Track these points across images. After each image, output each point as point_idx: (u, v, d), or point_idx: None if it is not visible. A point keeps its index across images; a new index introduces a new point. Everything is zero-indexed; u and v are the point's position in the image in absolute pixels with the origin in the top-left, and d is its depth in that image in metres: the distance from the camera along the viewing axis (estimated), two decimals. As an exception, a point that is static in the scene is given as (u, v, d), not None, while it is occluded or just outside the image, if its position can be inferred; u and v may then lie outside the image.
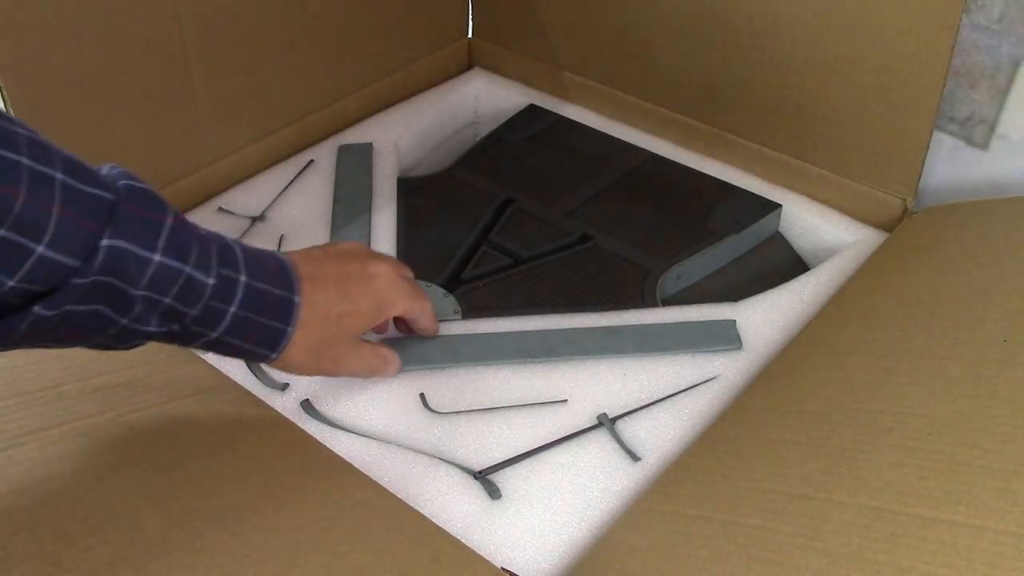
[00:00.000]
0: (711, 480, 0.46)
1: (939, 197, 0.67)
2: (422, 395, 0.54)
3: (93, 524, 0.41)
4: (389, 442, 0.51)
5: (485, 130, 0.80)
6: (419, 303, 0.54)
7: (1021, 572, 0.34)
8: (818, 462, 0.43)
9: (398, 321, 0.56)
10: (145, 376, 0.50)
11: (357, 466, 0.48)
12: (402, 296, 0.52)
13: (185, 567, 0.39)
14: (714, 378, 0.55)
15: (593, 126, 0.77)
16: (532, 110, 0.79)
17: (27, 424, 0.46)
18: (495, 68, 0.85)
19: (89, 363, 0.51)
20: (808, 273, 0.62)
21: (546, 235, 0.66)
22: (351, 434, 0.51)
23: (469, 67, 0.87)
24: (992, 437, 0.40)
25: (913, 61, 0.59)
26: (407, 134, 0.78)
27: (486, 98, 0.84)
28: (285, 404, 0.53)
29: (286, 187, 0.71)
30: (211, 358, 0.54)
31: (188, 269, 0.40)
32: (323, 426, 0.51)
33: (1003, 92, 0.62)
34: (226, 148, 0.70)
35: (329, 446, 0.49)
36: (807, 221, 0.68)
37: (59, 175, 0.36)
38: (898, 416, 0.44)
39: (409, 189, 0.71)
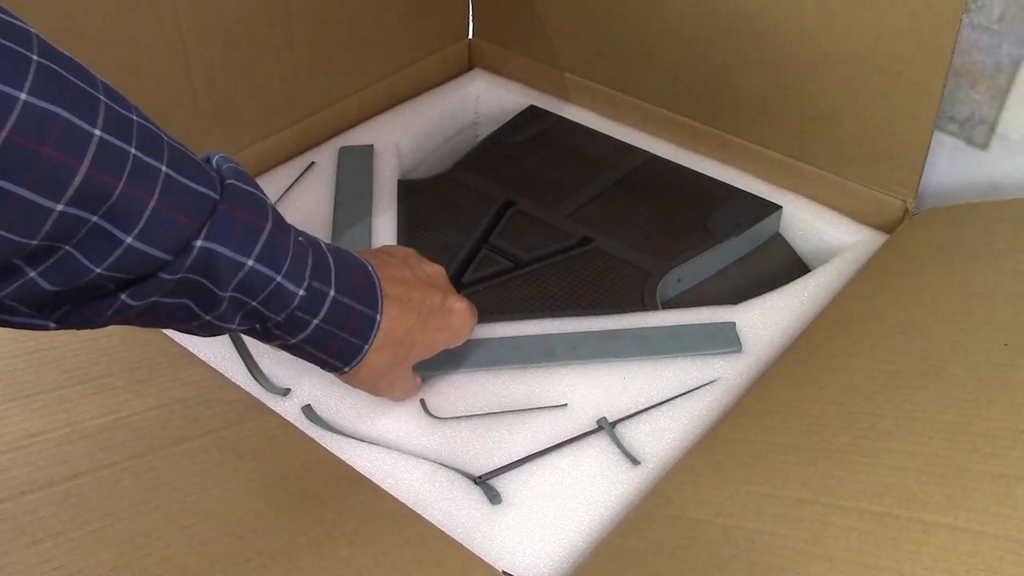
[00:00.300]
0: (711, 484, 0.46)
1: (939, 198, 0.67)
2: (422, 401, 0.54)
3: (95, 528, 0.41)
4: (390, 447, 0.51)
5: (486, 131, 0.80)
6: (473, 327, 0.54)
7: (1021, 578, 0.34)
8: (818, 466, 0.43)
9: None
10: (147, 379, 0.50)
11: (358, 471, 0.48)
12: (467, 334, 0.52)
13: (186, 571, 0.39)
14: (714, 381, 0.55)
15: (593, 127, 0.77)
16: (532, 111, 0.79)
17: (28, 427, 0.46)
18: (496, 69, 0.85)
19: (90, 365, 0.51)
20: (808, 275, 0.62)
21: (546, 238, 0.66)
22: (352, 439, 0.51)
23: (470, 68, 0.87)
24: (993, 441, 0.40)
25: (913, 61, 0.59)
26: (408, 136, 0.78)
27: (487, 99, 0.84)
28: (287, 409, 0.53)
29: (287, 189, 0.71)
30: (214, 360, 0.54)
31: (279, 278, 0.40)
32: (324, 431, 0.51)
33: (1003, 92, 0.62)
34: (226, 149, 0.69)
35: (330, 451, 0.49)
36: (807, 222, 0.68)
37: (164, 168, 0.35)
38: (898, 420, 0.44)
39: (410, 191, 0.71)
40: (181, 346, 0.54)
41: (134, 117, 0.35)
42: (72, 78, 0.32)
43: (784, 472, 0.44)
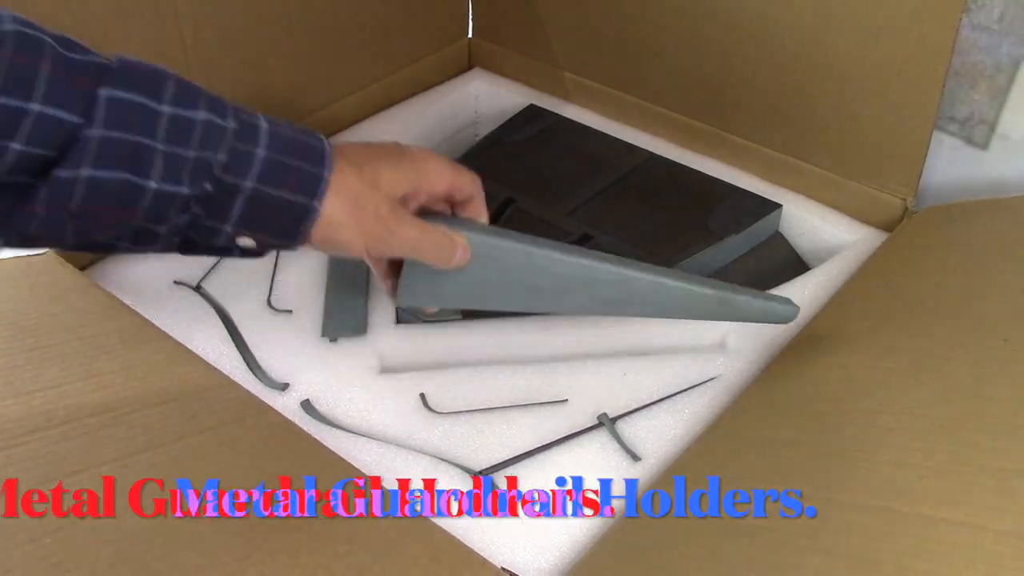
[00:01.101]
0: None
1: (939, 197, 0.67)
2: (422, 395, 0.54)
3: (94, 525, 0.41)
4: (389, 442, 0.51)
5: (485, 130, 0.80)
6: (468, 176, 0.49)
7: (1022, 572, 0.34)
8: (818, 461, 0.43)
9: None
10: (145, 376, 0.50)
11: (357, 466, 0.48)
12: (444, 169, 0.47)
13: (186, 567, 0.39)
14: (714, 378, 0.55)
15: (593, 126, 0.77)
16: (532, 110, 0.79)
17: (27, 424, 0.46)
18: (495, 68, 0.85)
19: (89, 363, 0.51)
20: (808, 273, 0.62)
21: (546, 235, 0.65)
22: (351, 434, 0.51)
23: (469, 67, 0.87)
24: (992, 437, 0.40)
25: (913, 61, 0.59)
26: (407, 134, 0.78)
27: (486, 98, 0.84)
28: (285, 404, 0.53)
29: (286, 187, 0.71)
30: (212, 357, 0.54)
31: (203, 114, 0.39)
32: (323, 426, 0.51)
33: (1003, 92, 0.62)
34: (226, 148, 0.70)
35: (329, 446, 0.49)
36: (807, 221, 0.68)
37: (49, 40, 0.36)
38: (898, 416, 0.44)
39: (409, 189, 0.71)
40: (180, 343, 0.54)
41: (5, 15, 0.36)
42: None
43: (784, 468, 0.44)
